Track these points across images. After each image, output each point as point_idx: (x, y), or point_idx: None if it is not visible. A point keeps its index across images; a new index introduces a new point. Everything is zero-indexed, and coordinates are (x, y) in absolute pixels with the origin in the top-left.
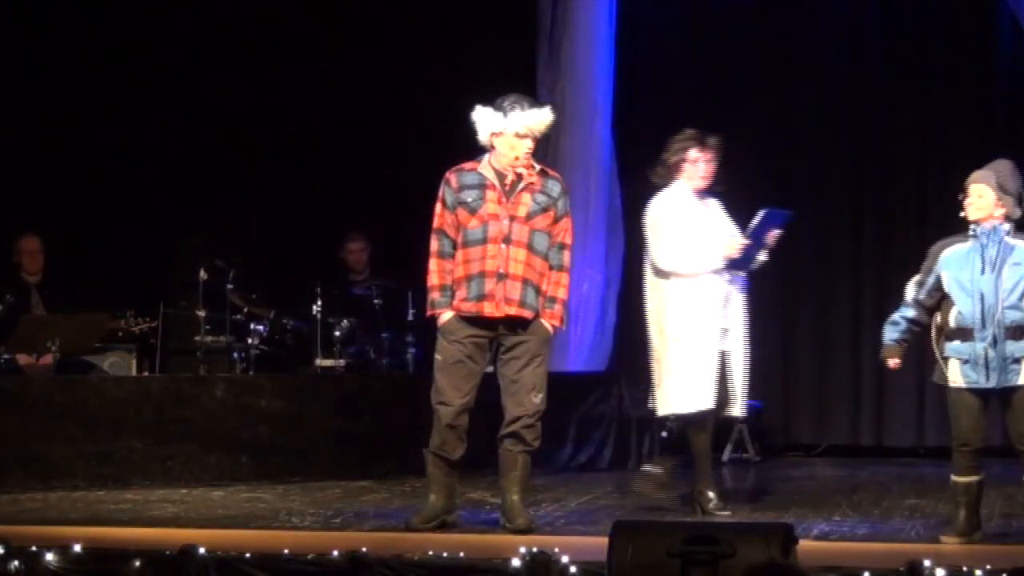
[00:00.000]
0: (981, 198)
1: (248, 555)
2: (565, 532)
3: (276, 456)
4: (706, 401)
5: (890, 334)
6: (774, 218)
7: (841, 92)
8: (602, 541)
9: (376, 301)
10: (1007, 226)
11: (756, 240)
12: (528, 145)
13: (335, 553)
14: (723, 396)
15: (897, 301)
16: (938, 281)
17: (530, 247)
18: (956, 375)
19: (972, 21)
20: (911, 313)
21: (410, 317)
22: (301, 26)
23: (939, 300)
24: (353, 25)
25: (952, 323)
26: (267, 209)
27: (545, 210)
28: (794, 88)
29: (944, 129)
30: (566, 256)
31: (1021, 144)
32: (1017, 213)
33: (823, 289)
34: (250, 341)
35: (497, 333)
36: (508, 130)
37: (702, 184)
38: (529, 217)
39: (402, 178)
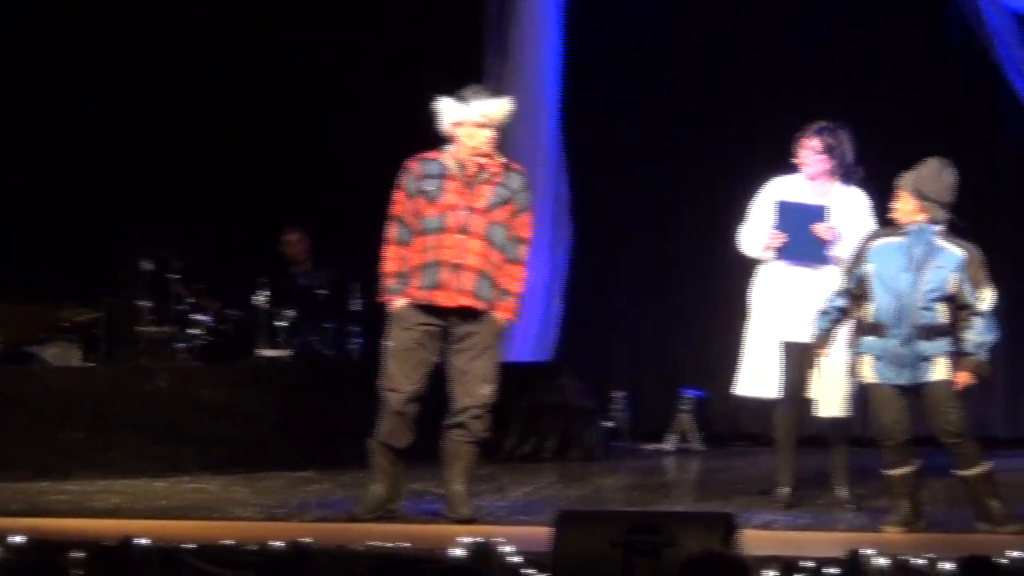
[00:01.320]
0: (903, 203)
1: (191, 546)
2: (508, 522)
3: (219, 447)
4: (766, 389)
5: (821, 323)
6: (796, 211)
7: (793, 84)
8: (545, 531)
9: (320, 291)
10: (937, 227)
11: (792, 233)
12: (487, 135)
13: (278, 544)
14: (794, 387)
15: None
16: (864, 273)
17: (487, 239)
18: (869, 371)
19: (921, 17)
20: (841, 302)
21: (354, 307)
22: (242, 19)
23: (865, 291)
24: (294, 17)
25: (868, 317)
26: (211, 199)
27: (505, 203)
28: (742, 78)
29: (890, 124)
30: (523, 250)
31: (965, 141)
32: (942, 216)
33: None
34: (194, 331)
35: (449, 322)
36: (468, 119)
37: (810, 174)
38: (488, 209)
39: (347, 169)
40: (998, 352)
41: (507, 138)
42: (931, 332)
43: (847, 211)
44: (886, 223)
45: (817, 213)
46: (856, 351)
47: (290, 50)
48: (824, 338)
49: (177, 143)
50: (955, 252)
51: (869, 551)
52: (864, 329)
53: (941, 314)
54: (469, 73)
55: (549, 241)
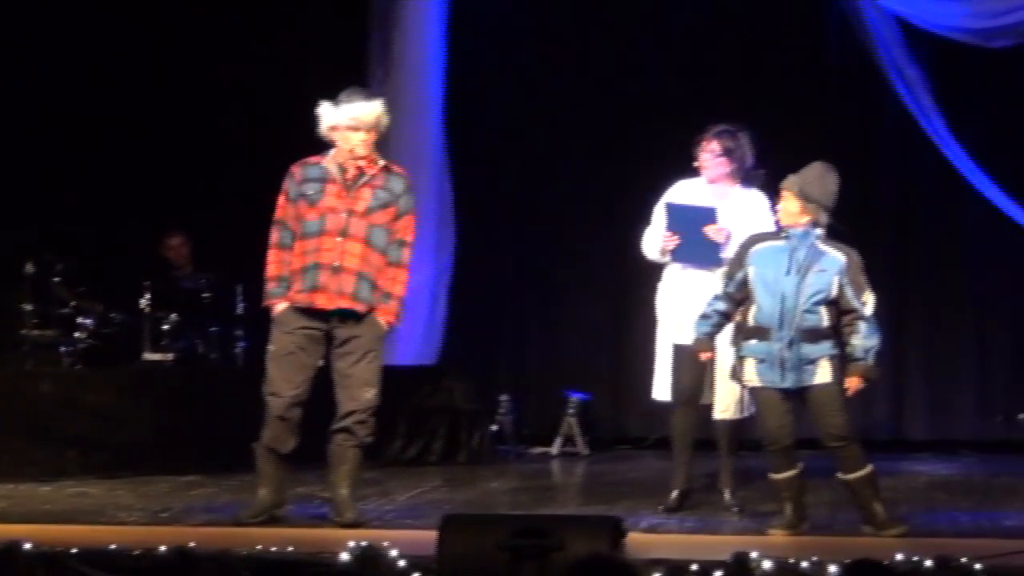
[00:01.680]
0: (787, 205)
1: (75, 550)
2: (394, 526)
3: (103, 451)
4: (661, 392)
5: (702, 327)
6: (686, 213)
7: (674, 85)
8: (432, 535)
9: (204, 295)
10: (818, 231)
11: (684, 235)
12: (360, 137)
13: (163, 548)
14: (687, 391)
15: None
16: (747, 276)
17: (367, 242)
18: (752, 374)
19: (803, 18)
20: (721, 306)
21: (239, 311)
22: (127, 19)
23: (747, 294)
24: (179, 18)
25: (750, 321)
26: (94, 202)
27: (386, 206)
28: (626, 83)
29: (773, 125)
30: (405, 253)
31: (846, 143)
32: (824, 220)
33: (654, 281)
34: (77, 335)
35: (330, 326)
36: (341, 123)
37: (711, 176)
38: (368, 212)
39: (230, 172)
40: (879, 356)
41: (391, 140)
42: (814, 335)
43: (746, 213)
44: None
45: (707, 215)
46: (738, 354)
47: (174, 52)
48: (705, 342)
49: (58, 144)
50: (837, 256)
51: (755, 554)
52: (746, 333)
53: (824, 317)
54: (354, 75)
55: (433, 243)
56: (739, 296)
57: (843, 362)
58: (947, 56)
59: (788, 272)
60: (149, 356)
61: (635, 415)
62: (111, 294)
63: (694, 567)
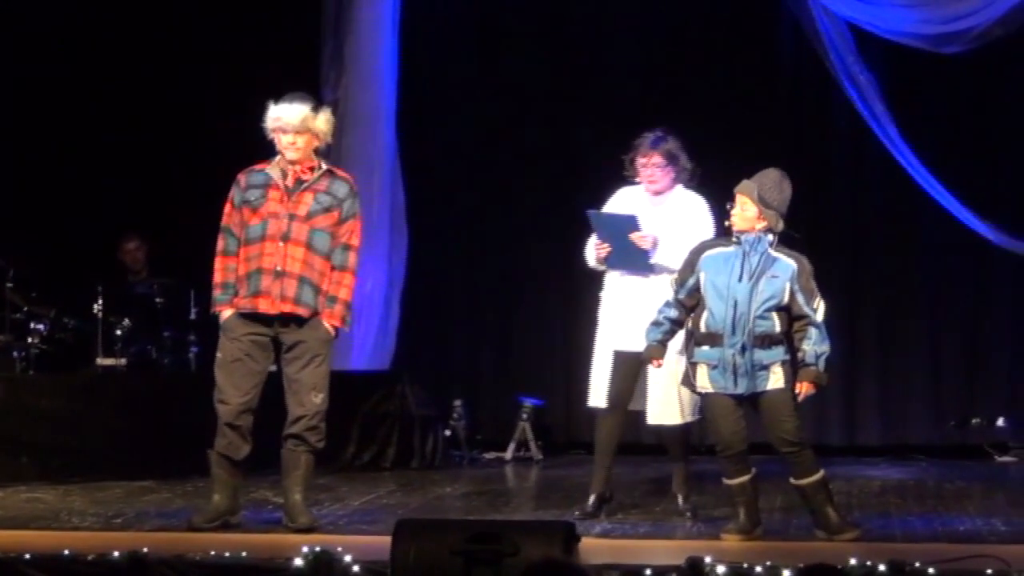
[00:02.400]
0: (744, 210)
1: (28, 556)
2: (348, 531)
3: (57, 456)
4: (597, 399)
5: (653, 334)
6: (609, 221)
7: (622, 91)
8: (385, 540)
9: (158, 300)
10: (771, 238)
11: (613, 243)
12: (288, 140)
13: (116, 553)
14: (619, 397)
15: None
16: (698, 282)
17: (308, 246)
18: (704, 380)
19: (755, 24)
20: (672, 313)
21: (192, 316)
22: (84, 23)
23: (698, 301)
24: (135, 22)
25: (702, 327)
26: (47, 206)
27: (328, 210)
28: (577, 90)
29: (725, 131)
30: (351, 257)
31: (799, 149)
32: (780, 226)
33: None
34: (30, 340)
35: (276, 331)
36: (277, 126)
37: (649, 187)
38: (309, 216)
39: (186, 177)
40: (832, 362)
41: (344, 146)
42: (767, 341)
43: (684, 216)
44: (726, 229)
45: (629, 222)
46: (690, 360)
47: (130, 58)
48: (657, 349)
49: (11, 147)
50: (788, 262)
51: (709, 559)
52: (698, 338)
53: (776, 323)
54: (307, 81)
55: (386, 249)
56: (690, 303)
57: (795, 368)
58: (899, 62)
59: (740, 279)
60: (102, 361)
61: (588, 420)
62: (64, 299)
63: (648, 572)
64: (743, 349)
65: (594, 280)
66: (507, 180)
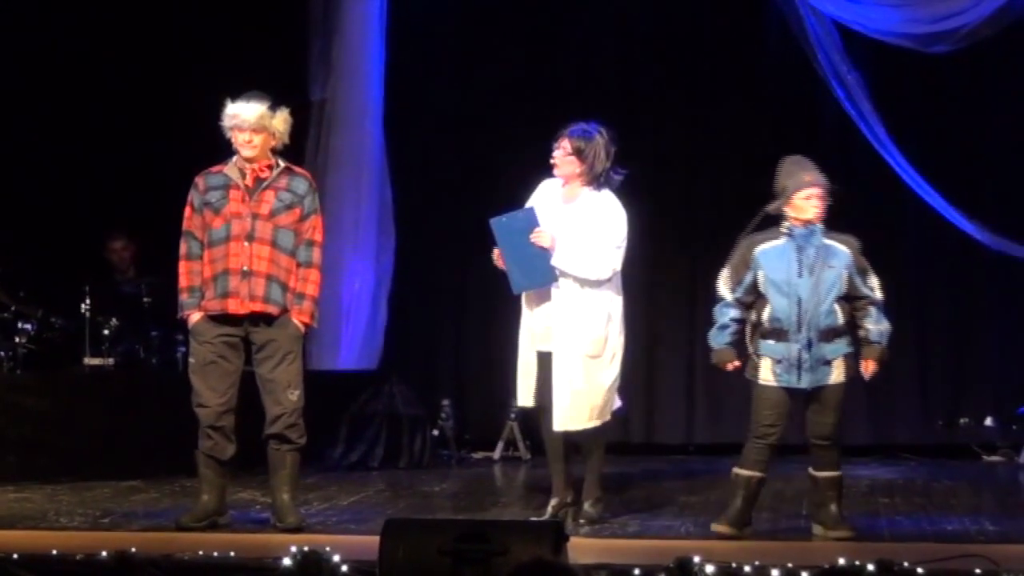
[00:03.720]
0: (821, 202)
1: (16, 556)
2: (336, 531)
3: (44, 456)
4: (524, 398)
5: (720, 338)
6: (510, 224)
7: (608, 89)
8: (373, 540)
9: (145, 299)
10: (820, 226)
11: (515, 253)
12: (244, 138)
13: (104, 553)
14: (540, 397)
15: (669, 302)
16: (755, 279)
17: (274, 244)
18: (768, 374)
19: (742, 23)
20: (735, 313)
21: (179, 315)
22: (70, 23)
23: (756, 297)
24: (122, 20)
25: (767, 322)
26: (34, 206)
27: (290, 207)
28: (563, 90)
29: (711, 130)
30: (316, 253)
31: (786, 148)
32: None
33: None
34: (17, 340)
35: (246, 331)
36: (232, 124)
37: (562, 174)
38: (272, 215)
39: (172, 176)
40: None
41: (332, 144)
42: (831, 334)
43: (592, 215)
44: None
45: (527, 217)
46: (756, 353)
47: (116, 56)
48: (728, 352)
49: None
50: (842, 248)
51: (698, 558)
52: (763, 332)
53: (840, 315)
54: (295, 80)
55: (374, 248)
56: (748, 299)
57: (856, 358)
58: (887, 62)
59: (800, 274)
60: (90, 361)
61: None
62: (52, 299)
63: (636, 571)
64: (809, 344)
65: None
66: (495, 179)
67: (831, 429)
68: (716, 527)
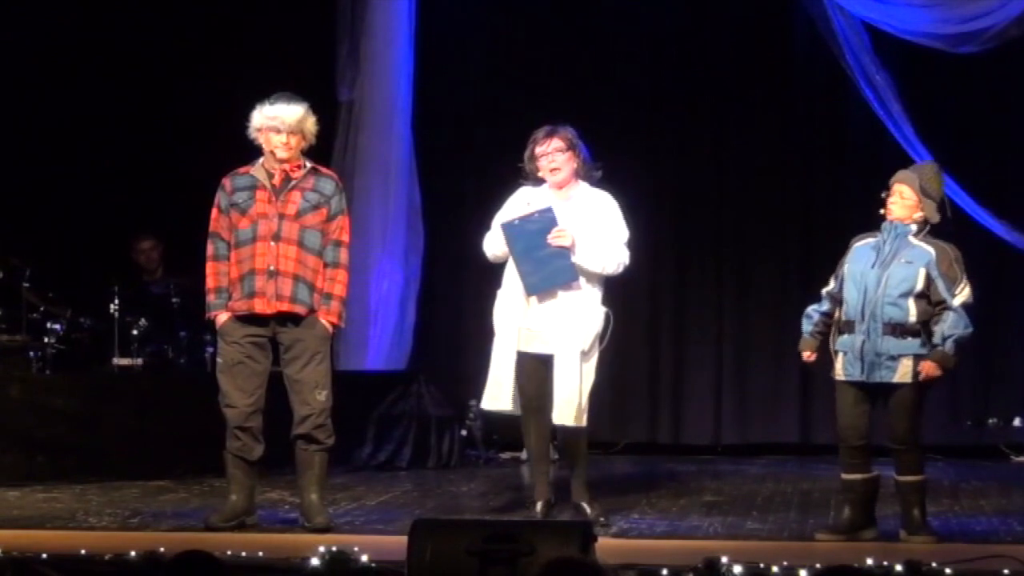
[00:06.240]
0: (904, 198)
1: (45, 556)
2: (364, 531)
3: (73, 456)
4: (493, 402)
5: (804, 327)
6: (525, 227)
7: (636, 90)
8: (401, 540)
9: (174, 299)
10: (913, 227)
11: (530, 256)
12: (282, 140)
13: (132, 553)
14: (534, 400)
15: (697, 302)
16: (844, 272)
17: (300, 244)
18: (840, 368)
19: (770, 23)
20: (824, 306)
21: (207, 316)
22: (98, 22)
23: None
24: (150, 21)
25: (843, 317)
26: (63, 206)
27: (316, 208)
28: (594, 86)
29: (740, 131)
30: (343, 253)
31: (814, 149)
32: (936, 218)
33: (619, 288)
34: (46, 340)
35: (273, 331)
36: (264, 125)
37: (553, 178)
38: (299, 215)
39: (200, 176)
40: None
41: (360, 144)
42: (898, 329)
43: (595, 213)
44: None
45: (545, 218)
46: (834, 349)
47: (144, 57)
48: (808, 342)
49: (26, 147)
50: (925, 248)
51: (725, 559)
52: (839, 327)
53: (911, 312)
54: (323, 80)
55: (403, 248)
56: (840, 295)
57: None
58: (915, 62)
59: (873, 265)
60: (118, 361)
61: (604, 420)
62: (80, 299)
63: (664, 572)
64: (871, 336)
65: (609, 280)
66: (523, 179)
67: (904, 432)
68: (819, 536)
